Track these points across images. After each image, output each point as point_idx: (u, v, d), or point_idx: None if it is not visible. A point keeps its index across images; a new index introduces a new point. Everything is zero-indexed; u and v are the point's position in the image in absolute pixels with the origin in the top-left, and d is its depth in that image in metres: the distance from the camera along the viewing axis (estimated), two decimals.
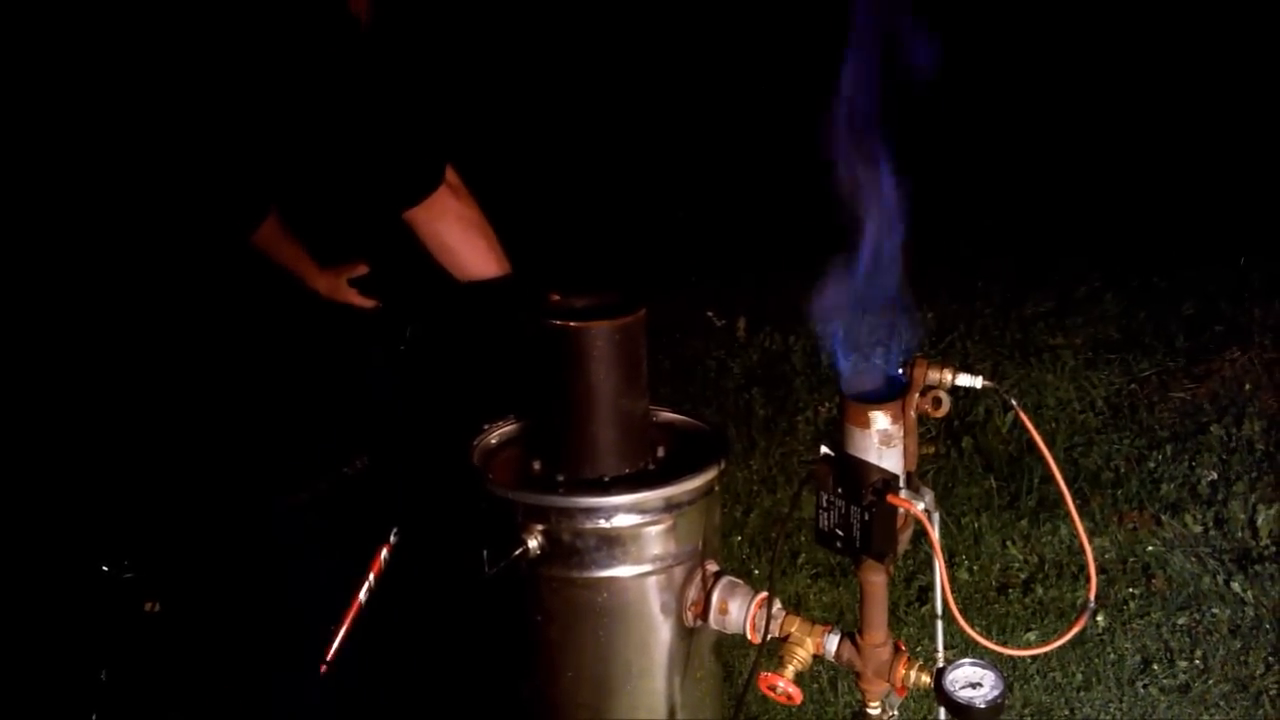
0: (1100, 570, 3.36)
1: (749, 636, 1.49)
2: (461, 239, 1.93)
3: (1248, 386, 4.36)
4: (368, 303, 2.29)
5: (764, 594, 1.49)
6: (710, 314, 5.51)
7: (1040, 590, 3.31)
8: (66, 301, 1.87)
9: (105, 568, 1.92)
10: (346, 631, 2.20)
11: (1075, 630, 1.23)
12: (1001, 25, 7.46)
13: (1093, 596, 1.24)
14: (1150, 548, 3.45)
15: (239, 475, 2.10)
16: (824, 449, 1.31)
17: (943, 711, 1.41)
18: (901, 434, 1.24)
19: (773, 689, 1.42)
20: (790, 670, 1.43)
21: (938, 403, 1.23)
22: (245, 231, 2.12)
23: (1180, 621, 3.12)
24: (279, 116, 1.86)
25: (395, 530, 2.25)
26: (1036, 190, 6.64)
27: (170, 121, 1.86)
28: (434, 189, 1.89)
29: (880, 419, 1.23)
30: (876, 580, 1.35)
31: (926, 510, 1.24)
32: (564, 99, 7.29)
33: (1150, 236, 5.89)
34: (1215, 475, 3.81)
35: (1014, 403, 1.23)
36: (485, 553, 1.48)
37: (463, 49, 5.92)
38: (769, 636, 1.45)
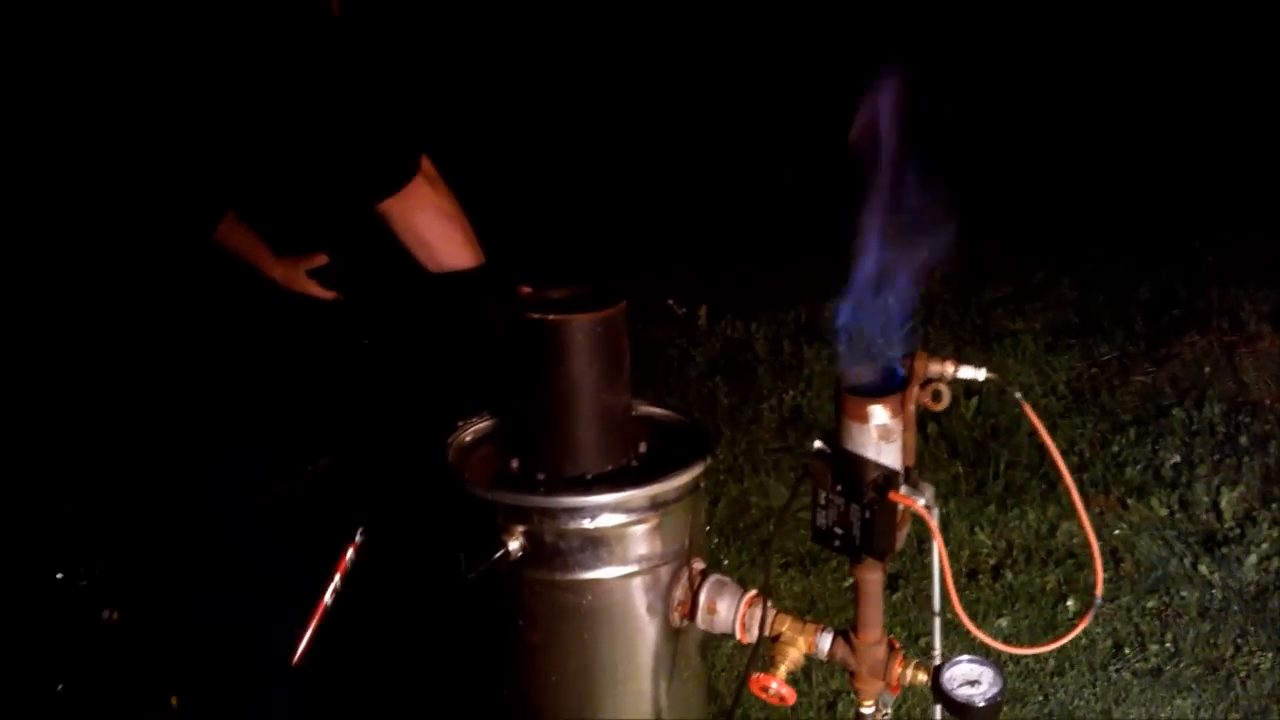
0: (1069, 554, 3.36)
1: (738, 636, 1.44)
2: (438, 231, 1.88)
3: (1207, 369, 4.39)
4: (328, 294, 2.22)
5: (753, 592, 1.44)
6: (671, 302, 5.47)
7: (1010, 575, 3.30)
8: (21, 303, 1.79)
9: (60, 575, 1.84)
10: (312, 635, 2.14)
11: (1081, 627, 1.20)
12: (959, 19, 7.48)
13: (1099, 593, 1.21)
14: (1117, 531, 3.46)
15: (198, 477, 2.03)
16: (817, 443, 1.26)
17: (938, 709, 1.38)
18: (901, 429, 1.20)
19: (765, 690, 1.38)
20: (782, 670, 1.39)
21: (938, 396, 1.19)
22: (211, 223, 2.04)
23: (1150, 605, 3.13)
24: (251, 107, 1.79)
25: (361, 530, 2.19)
26: (991, 176, 6.66)
27: (135, 114, 1.78)
28: (409, 179, 1.84)
29: (879, 413, 1.19)
30: (873, 578, 1.31)
31: (927, 506, 1.20)
32: (526, 89, 7.21)
33: (1105, 222, 5.93)
34: (1178, 458, 3.83)
35: (1018, 395, 1.19)
36: (464, 555, 1.43)
37: (434, 38, 5.82)
38: (759, 636, 1.41)
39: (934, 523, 1.20)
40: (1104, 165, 6.56)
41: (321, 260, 2.21)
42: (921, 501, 1.20)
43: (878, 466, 1.18)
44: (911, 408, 1.19)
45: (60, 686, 1.84)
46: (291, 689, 2.05)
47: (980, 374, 1.17)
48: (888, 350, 1.18)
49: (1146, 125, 6.83)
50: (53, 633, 1.86)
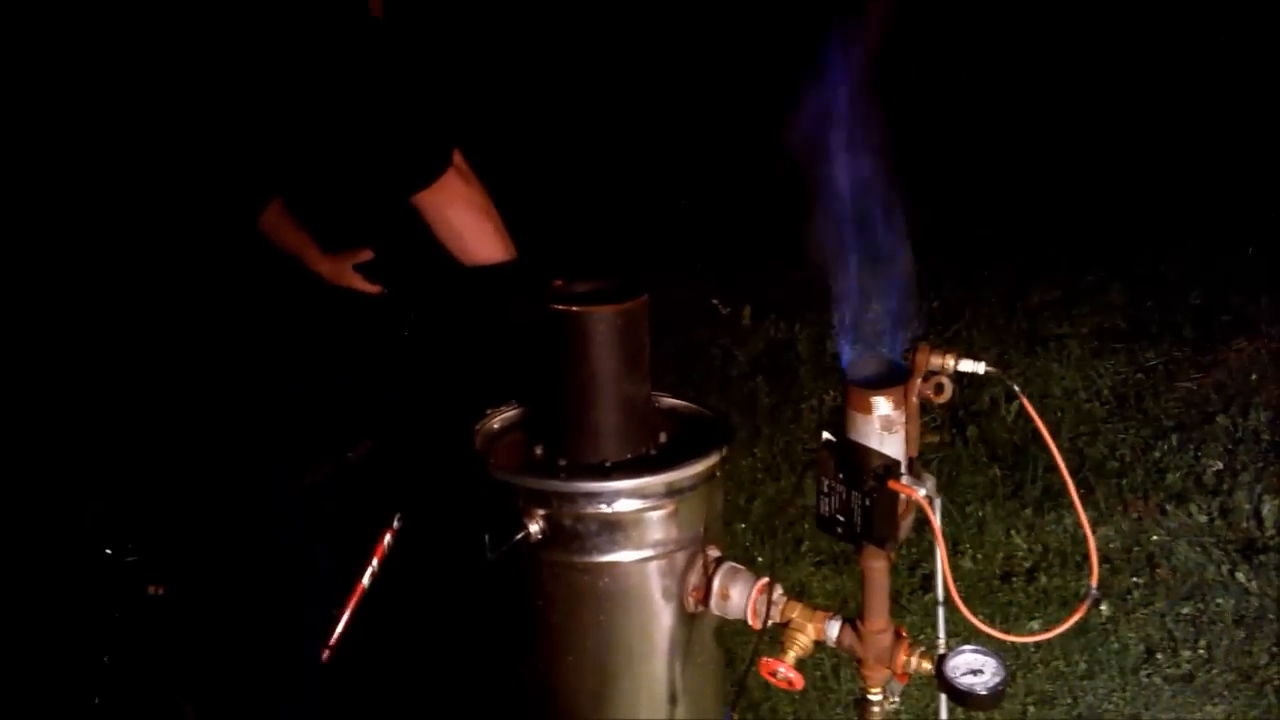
0: (1104, 559, 3.35)
1: (750, 622, 1.49)
2: (469, 223, 1.94)
3: (1254, 377, 4.35)
4: (372, 288, 2.29)
5: (765, 580, 1.48)
6: (715, 302, 5.50)
7: (1044, 579, 3.30)
8: (69, 289, 1.87)
9: (109, 551, 1.92)
10: (350, 617, 2.21)
11: (1077, 617, 1.23)
12: (1006, 16, 7.43)
13: (1094, 584, 1.24)
14: (1155, 537, 3.45)
15: (242, 458, 2.10)
16: (825, 434, 1.30)
17: (944, 698, 1.41)
18: (903, 419, 1.24)
19: (774, 674, 1.42)
20: (791, 656, 1.43)
21: (940, 388, 1.22)
22: (249, 216, 2.11)
23: (1184, 611, 3.11)
24: (287, 101, 1.85)
25: (399, 515, 2.25)
26: (1043, 179, 6.62)
27: (175, 107, 1.86)
28: (442, 172, 1.89)
29: (882, 404, 1.23)
30: (877, 566, 1.35)
31: (928, 496, 1.24)
32: (569, 86, 7.27)
33: (1157, 226, 5.87)
34: (1221, 465, 3.80)
35: (1017, 389, 1.22)
36: (487, 537, 1.49)
37: (469, 35, 5.90)
38: (770, 622, 1.45)
39: (934, 514, 1.23)
40: (1162, 170, 6.49)
41: (367, 256, 2.28)
42: (922, 491, 1.23)
43: (879, 456, 1.22)
44: (914, 399, 1.23)
45: (107, 658, 1.92)
46: (324, 672, 2.12)
47: (980, 367, 1.20)
48: (891, 342, 1.22)
49: (1203, 130, 6.74)
50: (100, 606, 1.94)
